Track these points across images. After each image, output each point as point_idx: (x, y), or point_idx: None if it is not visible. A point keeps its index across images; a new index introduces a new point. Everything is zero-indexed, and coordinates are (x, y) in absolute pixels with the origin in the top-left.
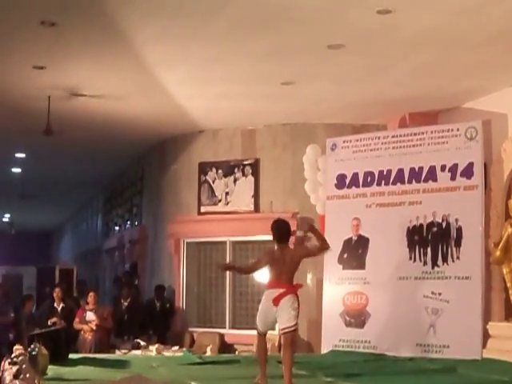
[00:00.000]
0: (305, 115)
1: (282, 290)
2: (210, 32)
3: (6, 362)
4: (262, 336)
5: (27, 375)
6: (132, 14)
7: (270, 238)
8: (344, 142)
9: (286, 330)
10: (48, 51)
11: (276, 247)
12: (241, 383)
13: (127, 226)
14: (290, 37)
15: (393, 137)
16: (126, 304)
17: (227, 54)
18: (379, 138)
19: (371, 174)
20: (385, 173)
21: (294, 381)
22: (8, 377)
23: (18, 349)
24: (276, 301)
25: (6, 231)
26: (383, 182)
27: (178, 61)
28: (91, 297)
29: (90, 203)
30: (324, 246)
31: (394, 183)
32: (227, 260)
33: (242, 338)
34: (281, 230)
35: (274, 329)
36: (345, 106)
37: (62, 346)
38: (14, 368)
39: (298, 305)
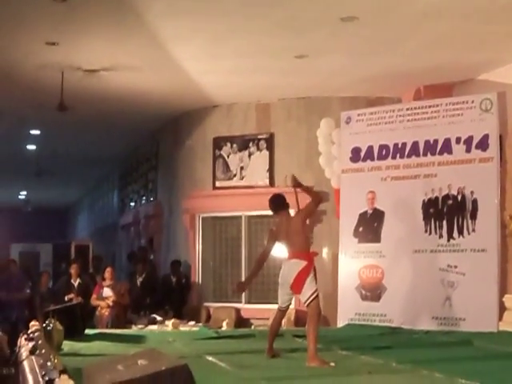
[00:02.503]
0: (319, 89)
1: (300, 264)
2: (222, 6)
3: (23, 338)
4: (281, 311)
5: (43, 351)
6: None
7: None
8: (358, 115)
9: (309, 300)
10: (60, 27)
11: (277, 220)
12: (256, 357)
13: (143, 201)
14: (302, 10)
15: (407, 109)
16: (140, 279)
17: (239, 28)
18: (394, 110)
19: (386, 147)
20: (400, 146)
21: (303, 354)
22: (24, 352)
23: (34, 325)
24: (297, 287)
25: (23, 208)
26: (398, 155)
27: (191, 35)
28: (108, 272)
29: (105, 179)
30: (316, 199)
31: (409, 156)
32: (242, 234)
33: (258, 312)
34: (273, 200)
35: (290, 303)
36: (359, 79)
37: (78, 321)
38: (30, 344)
39: (315, 272)
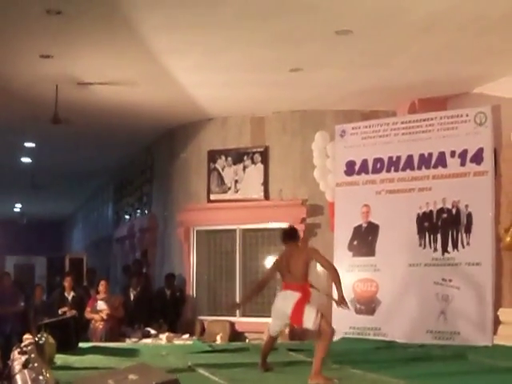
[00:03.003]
0: (314, 102)
1: (295, 296)
2: (217, 20)
3: (16, 352)
4: (272, 338)
5: (35, 364)
6: (139, 2)
7: (279, 225)
8: (353, 128)
9: (317, 322)
10: (54, 40)
11: (284, 249)
12: (249, 371)
13: (137, 214)
14: (297, 23)
15: (402, 123)
16: (134, 293)
17: (235, 42)
18: (388, 124)
19: (381, 160)
20: (394, 159)
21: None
22: (17, 366)
23: (27, 338)
24: (296, 319)
25: (18, 221)
26: (393, 169)
27: (186, 49)
28: (102, 285)
29: (100, 192)
30: (336, 279)
31: (403, 169)
32: (237, 247)
33: (253, 326)
34: (286, 231)
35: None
36: (353, 93)
37: (71, 334)
38: (23, 357)
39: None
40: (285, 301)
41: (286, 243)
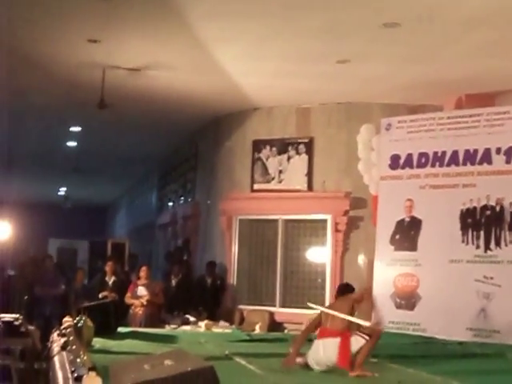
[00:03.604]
0: (360, 94)
1: (335, 343)
2: (266, 9)
3: (55, 334)
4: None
5: (73, 347)
6: None
7: (322, 217)
8: (399, 122)
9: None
10: (103, 24)
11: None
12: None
13: (181, 201)
14: (345, 14)
15: (448, 118)
16: (176, 280)
17: (282, 31)
18: (434, 118)
19: (425, 155)
20: (439, 154)
21: None
22: (56, 348)
23: (67, 321)
24: (346, 364)
25: (62, 205)
26: (437, 164)
27: (233, 37)
28: (143, 271)
29: (145, 178)
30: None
31: (448, 165)
32: (279, 237)
33: (292, 316)
34: (343, 287)
35: None
36: (400, 86)
37: (110, 319)
38: (62, 339)
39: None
40: (326, 351)
41: (339, 297)
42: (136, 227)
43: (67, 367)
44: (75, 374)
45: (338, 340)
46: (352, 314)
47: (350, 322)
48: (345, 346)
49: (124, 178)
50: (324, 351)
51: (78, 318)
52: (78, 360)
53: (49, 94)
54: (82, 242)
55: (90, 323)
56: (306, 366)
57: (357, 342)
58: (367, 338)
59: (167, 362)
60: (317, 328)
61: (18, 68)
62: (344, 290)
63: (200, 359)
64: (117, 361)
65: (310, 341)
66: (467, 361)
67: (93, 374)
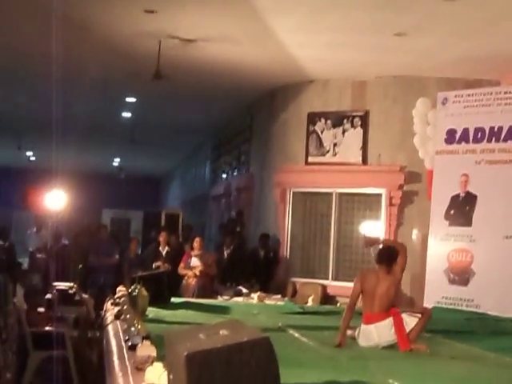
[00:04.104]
0: (416, 68)
1: (389, 324)
2: None
3: (109, 303)
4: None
5: (127, 316)
6: None
7: (376, 190)
8: (455, 96)
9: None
10: None
11: (374, 269)
12: (337, 334)
13: (234, 173)
14: None
15: (505, 93)
16: (228, 251)
17: (339, 3)
18: (491, 93)
19: (482, 129)
20: (496, 129)
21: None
22: (110, 317)
23: (120, 290)
24: (406, 344)
25: (116, 175)
26: (494, 139)
27: (290, 8)
28: (197, 242)
29: (198, 150)
30: (403, 251)
31: (504, 140)
32: (332, 211)
33: (344, 290)
34: (384, 253)
35: None
36: (458, 60)
37: (164, 289)
38: (116, 309)
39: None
40: (381, 334)
41: (380, 265)
42: (189, 198)
43: (121, 336)
44: (129, 343)
45: (390, 320)
46: (397, 291)
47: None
48: (400, 326)
49: (177, 149)
50: (378, 335)
51: (132, 288)
52: (133, 329)
53: (104, 64)
54: (136, 212)
55: (144, 292)
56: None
57: (410, 320)
58: (419, 315)
59: (223, 332)
60: (358, 298)
61: (74, 38)
62: (391, 258)
63: (256, 330)
64: (171, 330)
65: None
66: None
67: (147, 342)
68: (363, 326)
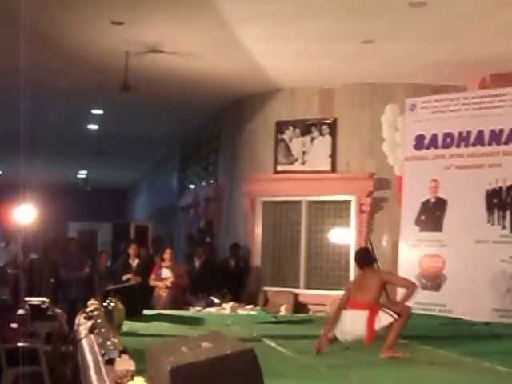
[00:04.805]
0: (384, 75)
1: (364, 315)
2: None
3: (81, 317)
4: None
5: (102, 329)
6: None
7: (346, 198)
8: (423, 102)
9: (395, 316)
10: (126, 6)
11: (359, 274)
12: (314, 343)
13: (203, 184)
14: None
15: (473, 98)
16: (199, 262)
17: (307, 12)
18: (459, 98)
19: (450, 135)
20: (464, 134)
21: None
22: (83, 331)
23: (92, 303)
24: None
25: (82, 187)
26: (463, 144)
27: (257, 18)
28: (168, 254)
29: (165, 161)
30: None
31: (473, 145)
32: (302, 219)
33: (316, 298)
34: (361, 256)
35: None
36: (424, 66)
37: (136, 301)
38: (89, 322)
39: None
40: (353, 323)
41: (363, 269)
42: (157, 209)
43: (97, 350)
44: (106, 357)
45: (365, 313)
46: (381, 290)
47: (379, 296)
48: (372, 321)
49: (144, 160)
50: (351, 323)
51: (108, 301)
52: (109, 343)
53: (72, 76)
54: (103, 224)
55: (120, 306)
56: (335, 339)
57: (385, 318)
58: (395, 316)
59: (205, 345)
60: (346, 303)
61: (41, 50)
62: (368, 258)
63: (238, 342)
64: (146, 343)
65: None
66: (496, 342)
67: (125, 356)
68: (343, 312)
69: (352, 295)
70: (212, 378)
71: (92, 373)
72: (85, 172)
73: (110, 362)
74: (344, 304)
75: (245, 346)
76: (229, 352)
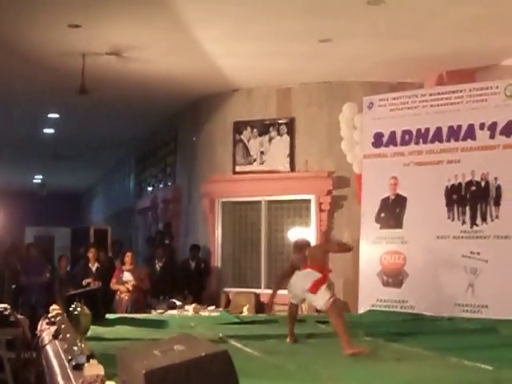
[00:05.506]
0: (341, 73)
1: (318, 275)
2: None
3: (44, 322)
4: (294, 305)
5: (67, 335)
6: None
7: (305, 197)
8: (381, 100)
9: (328, 305)
10: (83, 9)
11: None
12: (281, 343)
13: (160, 185)
14: None
15: (430, 95)
16: (160, 264)
17: (263, 12)
18: (417, 96)
19: (409, 132)
20: (423, 131)
21: (327, 340)
22: (47, 337)
23: (54, 309)
24: (314, 288)
25: (38, 192)
26: (421, 141)
27: (214, 18)
28: (128, 257)
29: (122, 163)
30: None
31: (432, 142)
32: (262, 219)
33: (278, 298)
34: (299, 243)
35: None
36: (381, 64)
37: (99, 306)
38: (52, 328)
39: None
40: (305, 279)
41: (299, 252)
42: (114, 213)
43: (62, 356)
44: (73, 363)
45: (318, 274)
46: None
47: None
48: (320, 282)
49: (100, 163)
50: (303, 279)
51: (73, 306)
52: (75, 348)
53: (28, 80)
54: (60, 228)
55: (87, 311)
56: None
57: (324, 295)
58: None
59: (177, 347)
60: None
61: None
62: (305, 245)
63: (211, 344)
64: (119, 347)
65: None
66: (460, 336)
67: (94, 361)
68: (296, 271)
69: (304, 263)
70: (187, 381)
71: (59, 379)
72: (41, 177)
73: (77, 368)
74: (284, 276)
75: (218, 347)
76: (203, 354)
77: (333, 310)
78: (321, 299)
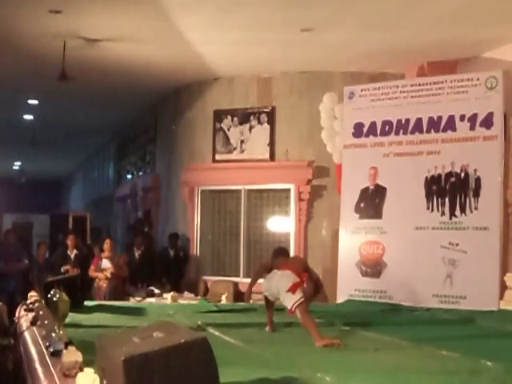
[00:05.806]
0: (322, 63)
1: (296, 278)
2: None
3: (22, 309)
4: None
5: (45, 321)
6: None
7: (285, 186)
8: (362, 90)
9: (296, 304)
10: None
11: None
12: (260, 331)
13: (140, 173)
14: None
15: (411, 85)
16: (139, 252)
17: (246, 0)
18: (398, 86)
19: (389, 122)
20: (403, 122)
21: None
22: (25, 323)
23: (32, 295)
24: (294, 288)
25: (17, 179)
26: (401, 131)
27: (195, 6)
28: (107, 244)
29: (101, 151)
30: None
31: (412, 132)
32: (241, 208)
33: (256, 286)
34: (278, 250)
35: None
36: (362, 54)
37: (77, 292)
38: (30, 315)
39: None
40: (283, 279)
41: (276, 258)
42: (93, 200)
43: (40, 342)
44: (51, 349)
45: (296, 278)
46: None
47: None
48: (298, 285)
49: (79, 150)
50: (280, 279)
51: (52, 293)
52: (53, 335)
53: (7, 65)
54: (38, 216)
55: (65, 297)
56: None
57: (295, 296)
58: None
59: (157, 334)
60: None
61: None
62: (281, 252)
63: (190, 331)
64: (97, 334)
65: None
66: (438, 327)
67: (72, 348)
68: (274, 271)
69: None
70: (166, 368)
71: (37, 365)
72: (19, 163)
73: (55, 354)
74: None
75: (198, 334)
76: (182, 341)
77: (300, 309)
78: (289, 300)
